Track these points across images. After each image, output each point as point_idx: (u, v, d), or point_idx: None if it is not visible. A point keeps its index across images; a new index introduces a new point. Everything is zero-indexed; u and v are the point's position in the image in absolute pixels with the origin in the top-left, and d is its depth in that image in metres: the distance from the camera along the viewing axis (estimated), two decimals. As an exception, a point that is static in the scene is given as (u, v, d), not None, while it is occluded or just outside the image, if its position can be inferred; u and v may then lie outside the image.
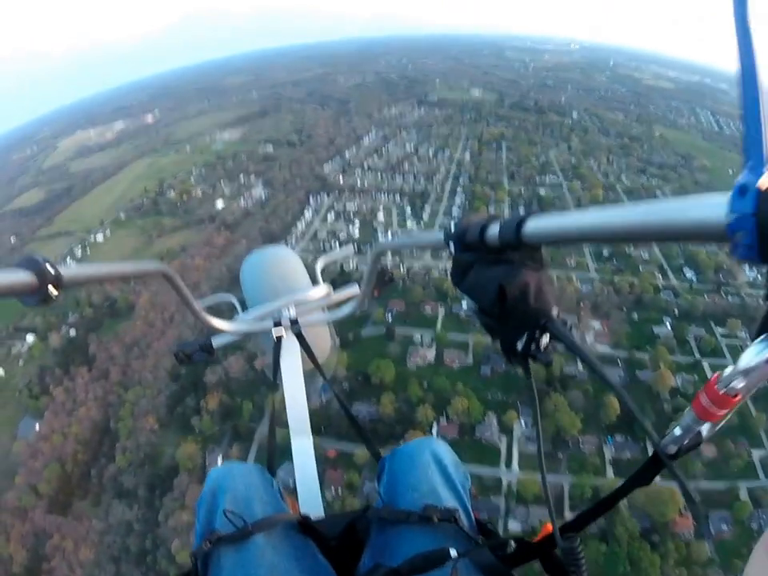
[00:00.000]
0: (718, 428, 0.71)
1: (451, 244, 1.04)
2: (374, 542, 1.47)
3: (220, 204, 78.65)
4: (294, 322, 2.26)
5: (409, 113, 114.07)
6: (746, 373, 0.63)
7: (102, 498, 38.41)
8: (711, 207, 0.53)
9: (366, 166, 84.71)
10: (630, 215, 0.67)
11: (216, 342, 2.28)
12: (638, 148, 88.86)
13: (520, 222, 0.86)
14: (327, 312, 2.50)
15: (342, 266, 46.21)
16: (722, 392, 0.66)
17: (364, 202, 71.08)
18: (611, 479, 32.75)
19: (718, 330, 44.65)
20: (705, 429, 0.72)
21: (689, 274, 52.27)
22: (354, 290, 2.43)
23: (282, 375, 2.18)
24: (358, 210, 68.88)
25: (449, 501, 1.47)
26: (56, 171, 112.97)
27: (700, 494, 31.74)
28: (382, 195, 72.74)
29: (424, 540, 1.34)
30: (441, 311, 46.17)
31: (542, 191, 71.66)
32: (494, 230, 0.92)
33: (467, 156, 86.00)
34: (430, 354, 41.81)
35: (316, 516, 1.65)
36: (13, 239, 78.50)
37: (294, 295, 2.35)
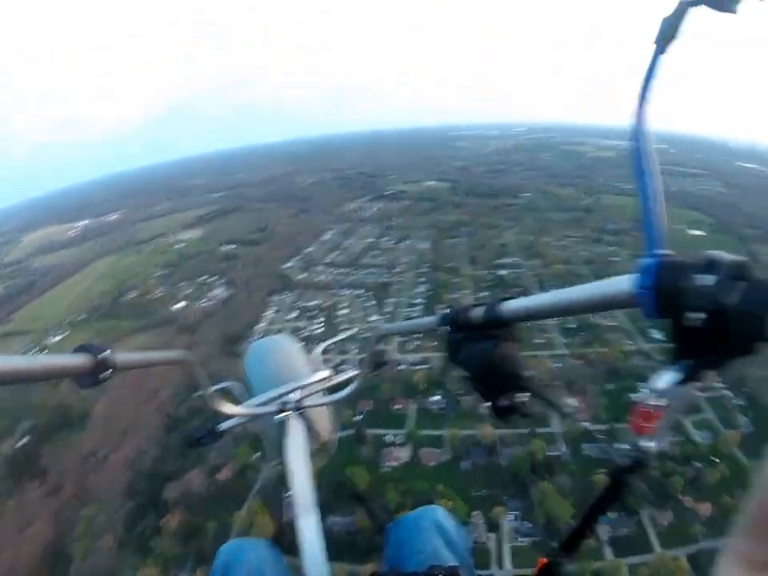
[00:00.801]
0: (661, 443, 0.87)
1: (445, 326, 1.27)
2: None
3: (180, 305, 76.87)
4: (298, 406, 2.48)
5: (367, 207, 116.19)
6: (660, 393, 0.78)
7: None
8: (626, 283, 0.76)
9: (327, 262, 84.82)
10: (575, 294, 0.93)
11: (224, 426, 2.47)
12: (591, 219, 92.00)
13: (499, 304, 1.11)
14: (328, 394, 2.68)
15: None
16: (644, 409, 0.81)
17: (326, 298, 70.14)
18: (610, 560, 30.74)
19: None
20: (650, 444, 0.88)
21: (656, 335, 51.48)
22: (353, 372, 2.66)
23: (288, 456, 2.29)
24: (321, 307, 67.61)
25: (452, 561, 1.60)
26: (17, 266, 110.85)
27: (703, 554, 28.99)
28: (345, 290, 72.04)
29: None
30: (412, 408, 44.11)
31: (503, 272, 72.09)
32: (478, 312, 1.16)
33: (427, 245, 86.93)
34: (405, 454, 39.58)
35: None
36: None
37: (297, 380, 2.61)
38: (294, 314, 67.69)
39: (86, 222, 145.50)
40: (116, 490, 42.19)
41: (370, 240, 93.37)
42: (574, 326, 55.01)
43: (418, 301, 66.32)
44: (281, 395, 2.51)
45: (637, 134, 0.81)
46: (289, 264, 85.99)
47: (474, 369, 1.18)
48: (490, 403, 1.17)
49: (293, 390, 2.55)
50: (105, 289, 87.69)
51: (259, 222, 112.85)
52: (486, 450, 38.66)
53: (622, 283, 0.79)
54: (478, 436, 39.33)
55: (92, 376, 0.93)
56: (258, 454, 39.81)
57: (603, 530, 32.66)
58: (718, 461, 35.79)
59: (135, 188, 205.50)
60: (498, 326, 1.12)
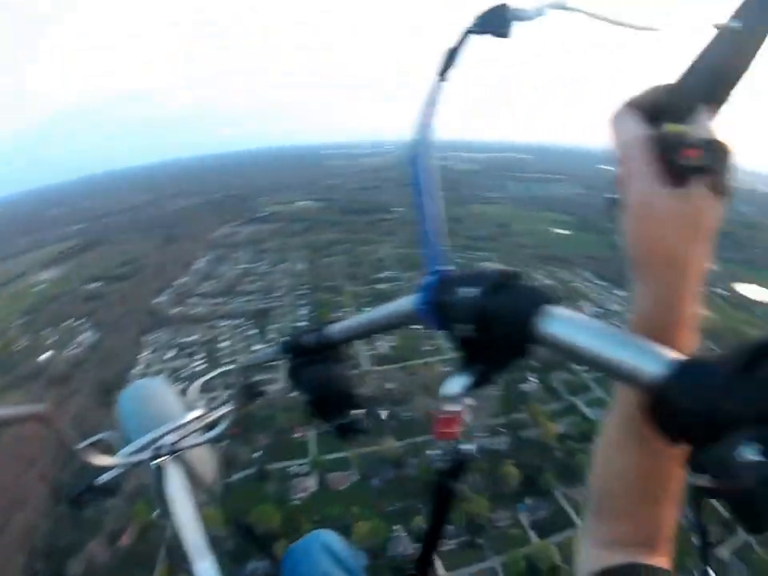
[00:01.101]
0: (470, 447, 0.91)
1: (287, 354, 1.30)
2: None
3: (46, 355, 70.18)
4: (173, 449, 2.32)
5: (238, 231, 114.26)
6: (451, 399, 0.80)
7: None
8: (409, 302, 0.84)
9: (201, 293, 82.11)
10: (378, 314, 1.01)
11: (102, 480, 2.26)
12: (461, 227, 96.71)
13: (326, 328, 1.17)
14: (204, 433, 2.50)
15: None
16: (443, 416, 0.83)
17: (205, 332, 67.59)
18: (538, 543, 32.59)
19: (579, 369, 47.28)
20: (463, 447, 0.91)
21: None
22: (228, 407, 2.47)
23: (170, 502, 2.14)
24: (200, 341, 65.10)
25: None
26: None
27: None
28: (223, 321, 70.00)
29: None
30: (311, 434, 43.46)
31: (383, 286, 74.13)
32: (311, 337, 1.21)
33: (304, 266, 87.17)
34: (312, 483, 39.04)
35: None
36: None
37: (170, 422, 2.46)
38: (171, 353, 64.24)
39: None
40: (12, 570, 38.28)
41: (245, 265, 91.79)
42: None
43: (302, 324, 65.88)
44: (155, 440, 2.36)
45: (415, 153, 0.84)
46: (160, 298, 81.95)
47: (311, 392, 1.25)
48: (329, 424, 1.25)
49: (166, 434, 2.39)
50: None
51: (124, 255, 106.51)
52: (392, 464, 39.41)
53: (409, 301, 0.86)
54: (382, 451, 40.04)
55: None
56: (158, 510, 37.57)
57: (523, 516, 34.92)
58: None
59: None
60: (328, 348, 1.20)
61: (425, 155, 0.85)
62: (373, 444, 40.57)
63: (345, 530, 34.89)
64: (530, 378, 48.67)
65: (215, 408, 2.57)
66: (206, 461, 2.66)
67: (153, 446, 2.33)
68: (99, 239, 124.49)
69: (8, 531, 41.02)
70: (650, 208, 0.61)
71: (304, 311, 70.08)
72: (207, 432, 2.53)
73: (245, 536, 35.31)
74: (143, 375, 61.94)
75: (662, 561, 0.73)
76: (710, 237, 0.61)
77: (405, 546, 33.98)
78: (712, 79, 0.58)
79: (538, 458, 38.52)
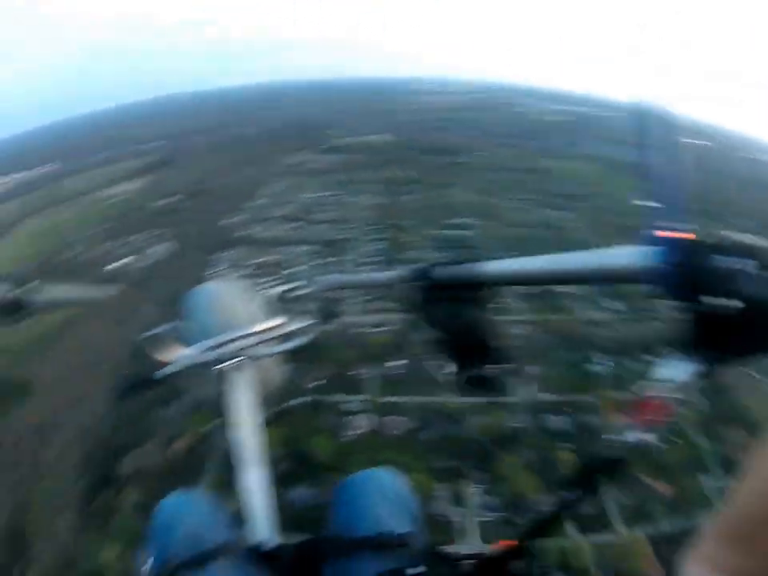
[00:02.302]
0: (655, 436, 0.81)
1: (416, 282, 1.20)
2: (327, 571, 1.53)
3: (120, 263, 72.02)
4: (246, 354, 2.31)
5: (314, 160, 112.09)
6: (673, 384, 0.73)
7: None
8: (636, 256, 0.72)
9: (273, 217, 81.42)
10: (571, 262, 0.88)
11: (162, 373, 2.29)
12: (539, 182, 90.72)
13: (478, 265, 1.05)
14: (277, 344, 2.52)
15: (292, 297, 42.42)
16: (650, 400, 0.75)
17: (274, 255, 67.32)
18: (573, 538, 29.49)
19: (651, 359, 44.25)
20: (647, 436, 0.82)
21: (618, 305, 50.37)
22: (302, 321, 2.50)
23: (233, 407, 2.16)
24: (268, 264, 64.88)
25: (400, 527, 1.57)
26: None
27: (664, 536, 28.76)
28: (293, 246, 69.43)
29: (377, 565, 1.42)
30: (371, 373, 42.22)
31: (458, 232, 71.04)
32: (455, 270, 1.10)
33: (376, 201, 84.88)
34: (366, 423, 37.96)
35: (267, 544, 1.68)
36: None
37: (245, 326, 2.41)
38: (239, 272, 63.57)
39: (17, 175, 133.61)
40: (69, 465, 38.22)
41: (318, 194, 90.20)
42: (534, 292, 51.33)
43: (371, 259, 64.17)
44: (225, 342, 2.31)
45: (646, 107, 0.76)
46: (233, 218, 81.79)
47: (446, 332, 1.11)
48: (460, 370, 1.12)
49: (237, 339, 2.34)
50: (36, 250, 79.76)
51: (200, 174, 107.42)
52: (448, 419, 37.46)
53: (635, 255, 0.73)
54: (440, 404, 38.24)
55: (8, 310, 0.73)
56: (216, 421, 38.59)
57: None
58: (677, 441, 36.48)
59: (70, 137, 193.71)
60: (474, 288, 1.06)
61: (657, 110, 0.78)
62: (432, 395, 38.94)
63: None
64: (601, 358, 43.56)
65: (289, 322, 2.57)
66: (272, 374, 2.68)
67: (222, 349, 2.32)
68: (176, 157, 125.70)
69: (69, 422, 42.87)
70: None
71: (376, 246, 68.15)
72: (279, 344, 2.53)
73: (296, 461, 35.75)
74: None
75: None
76: None
77: (445, 507, 31.53)
78: None
79: (596, 449, 35.80)
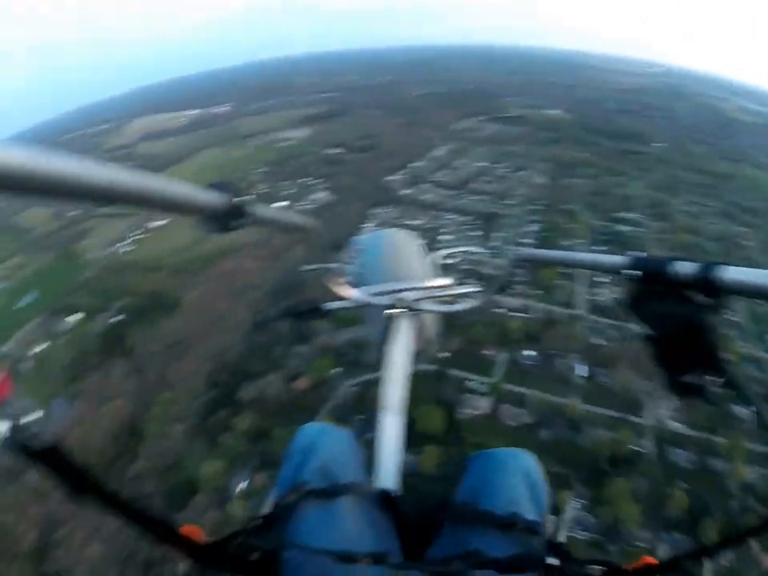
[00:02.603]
0: None
1: (636, 271, 1.13)
2: (448, 535, 1.50)
3: (280, 205, 77.26)
4: (412, 306, 2.34)
5: (481, 128, 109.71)
6: None
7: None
8: None
9: (434, 181, 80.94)
10: None
11: (329, 306, 2.45)
12: (725, 189, 79.15)
13: (715, 268, 0.96)
14: (443, 304, 2.54)
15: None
16: None
17: (430, 219, 67.33)
18: None
19: None
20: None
21: None
22: (472, 288, 2.51)
23: (390, 352, 2.21)
24: (423, 227, 64.94)
25: (532, 514, 1.49)
26: (124, 151, 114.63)
27: None
28: (450, 214, 68.75)
29: (504, 545, 1.35)
30: (502, 357, 40.46)
31: (623, 228, 65.31)
32: (686, 268, 1.02)
33: (542, 180, 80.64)
34: (485, 406, 36.76)
35: (394, 493, 1.69)
36: (72, 213, 78.93)
37: (414, 279, 2.50)
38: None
39: (195, 111, 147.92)
40: (195, 381, 43.01)
41: (482, 164, 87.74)
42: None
43: (526, 240, 60.96)
44: (397, 290, 2.38)
45: None
46: (394, 177, 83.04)
47: (666, 331, 1.03)
48: (671, 374, 1.03)
49: (410, 289, 2.41)
50: (207, 180, 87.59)
51: (366, 129, 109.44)
52: (568, 424, 35.54)
53: None
54: (564, 406, 36.30)
55: (224, 220, 0.78)
56: (338, 369, 39.42)
57: (662, 548, 28.38)
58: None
59: (242, 82, 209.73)
60: (706, 292, 0.97)
61: None
62: (558, 394, 37.17)
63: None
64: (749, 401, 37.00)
65: (456, 284, 2.59)
66: (432, 328, 2.69)
67: (394, 295, 2.37)
68: (345, 110, 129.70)
69: (205, 343, 46.46)
70: None
71: (533, 228, 64.94)
72: (446, 304, 2.57)
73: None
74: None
75: None
76: None
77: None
78: None
79: (711, 496, 31.00)
